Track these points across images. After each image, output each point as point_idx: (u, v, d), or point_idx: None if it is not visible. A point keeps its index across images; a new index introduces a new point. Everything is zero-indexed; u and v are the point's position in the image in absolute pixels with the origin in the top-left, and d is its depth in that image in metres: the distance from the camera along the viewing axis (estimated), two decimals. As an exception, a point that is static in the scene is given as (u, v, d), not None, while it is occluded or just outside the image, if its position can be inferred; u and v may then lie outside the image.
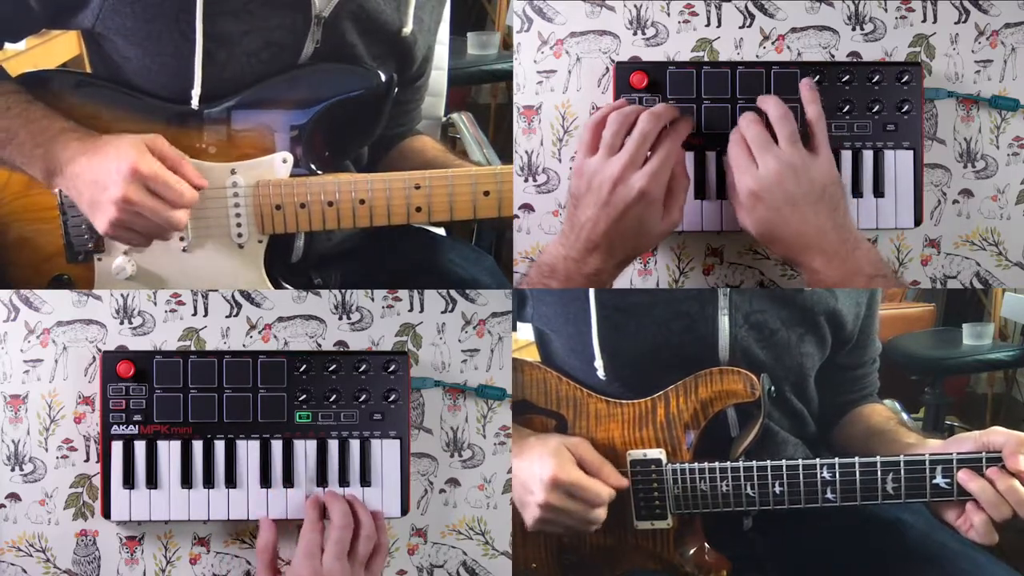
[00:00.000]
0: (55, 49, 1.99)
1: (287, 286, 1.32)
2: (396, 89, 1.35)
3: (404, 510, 1.19)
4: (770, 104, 1.11)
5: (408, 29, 1.37)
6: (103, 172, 1.18)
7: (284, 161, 1.29)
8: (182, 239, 1.28)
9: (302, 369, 1.18)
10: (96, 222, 1.21)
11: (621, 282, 1.24)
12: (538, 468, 1.17)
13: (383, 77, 1.31)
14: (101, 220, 1.20)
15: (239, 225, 1.30)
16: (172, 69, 1.25)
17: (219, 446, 1.17)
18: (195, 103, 1.26)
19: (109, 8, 1.23)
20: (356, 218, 1.29)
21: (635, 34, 1.22)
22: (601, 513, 1.17)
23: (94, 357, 1.20)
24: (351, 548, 1.12)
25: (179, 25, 1.22)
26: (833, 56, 1.22)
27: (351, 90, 1.30)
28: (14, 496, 1.20)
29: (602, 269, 1.10)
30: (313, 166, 1.31)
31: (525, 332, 1.40)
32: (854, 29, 1.22)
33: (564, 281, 1.11)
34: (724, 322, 1.24)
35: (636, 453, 1.21)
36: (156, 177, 1.18)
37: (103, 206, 1.19)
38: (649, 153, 1.08)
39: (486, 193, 1.27)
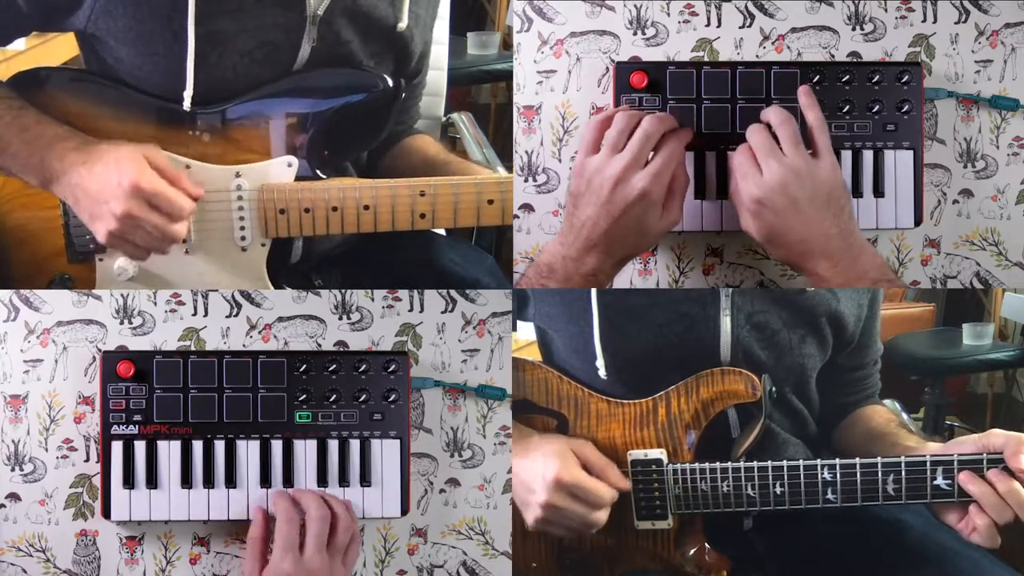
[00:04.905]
0: (56, 48, 1.98)
1: (287, 287, 1.32)
2: (404, 94, 1.34)
3: (404, 510, 1.19)
4: (771, 112, 1.11)
5: (403, 24, 1.36)
6: (103, 185, 1.18)
7: (289, 165, 1.29)
8: (184, 241, 1.28)
9: (302, 369, 1.18)
10: (96, 232, 1.21)
11: (621, 282, 1.24)
12: (541, 468, 1.17)
13: (391, 82, 1.30)
14: (101, 230, 1.20)
15: (242, 228, 1.29)
16: (165, 70, 1.25)
17: (219, 446, 1.17)
18: (187, 104, 1.25)
19: (100, 9, 1.22)
20: (360, 223, 1.29)
21: (635, 34, 1.22)
22: (603, 515, 1.17)
23: (94, 357, 1.20)
24: (329, 540, 1.12)
25: (171, 25, 1.22)
26: (833, 56, 1.22)
27: (358, 94, 1.30)
28: (14, 496, 1.20)
29: (600, 269, 1.10)
30: (317, 170, 1.30)
31: (525, 332, 1.40)
32: (854, 29, 1.22)
33: (562, 281, 1.11)
34: (726, 323, 1.24)
35: (637, 453, 1.21)
36: (158, 193, 1.19)
37: (104, 218, 1.19)
38: (652, 154, 1.08)
39: (490, 202, 1.28)
